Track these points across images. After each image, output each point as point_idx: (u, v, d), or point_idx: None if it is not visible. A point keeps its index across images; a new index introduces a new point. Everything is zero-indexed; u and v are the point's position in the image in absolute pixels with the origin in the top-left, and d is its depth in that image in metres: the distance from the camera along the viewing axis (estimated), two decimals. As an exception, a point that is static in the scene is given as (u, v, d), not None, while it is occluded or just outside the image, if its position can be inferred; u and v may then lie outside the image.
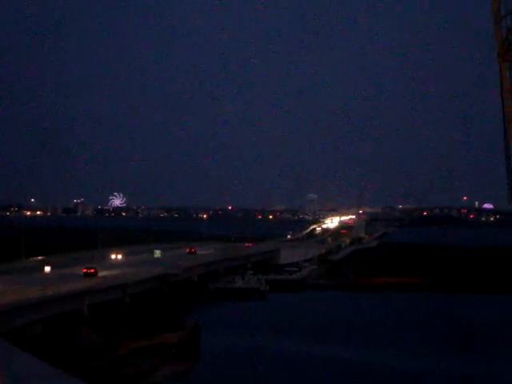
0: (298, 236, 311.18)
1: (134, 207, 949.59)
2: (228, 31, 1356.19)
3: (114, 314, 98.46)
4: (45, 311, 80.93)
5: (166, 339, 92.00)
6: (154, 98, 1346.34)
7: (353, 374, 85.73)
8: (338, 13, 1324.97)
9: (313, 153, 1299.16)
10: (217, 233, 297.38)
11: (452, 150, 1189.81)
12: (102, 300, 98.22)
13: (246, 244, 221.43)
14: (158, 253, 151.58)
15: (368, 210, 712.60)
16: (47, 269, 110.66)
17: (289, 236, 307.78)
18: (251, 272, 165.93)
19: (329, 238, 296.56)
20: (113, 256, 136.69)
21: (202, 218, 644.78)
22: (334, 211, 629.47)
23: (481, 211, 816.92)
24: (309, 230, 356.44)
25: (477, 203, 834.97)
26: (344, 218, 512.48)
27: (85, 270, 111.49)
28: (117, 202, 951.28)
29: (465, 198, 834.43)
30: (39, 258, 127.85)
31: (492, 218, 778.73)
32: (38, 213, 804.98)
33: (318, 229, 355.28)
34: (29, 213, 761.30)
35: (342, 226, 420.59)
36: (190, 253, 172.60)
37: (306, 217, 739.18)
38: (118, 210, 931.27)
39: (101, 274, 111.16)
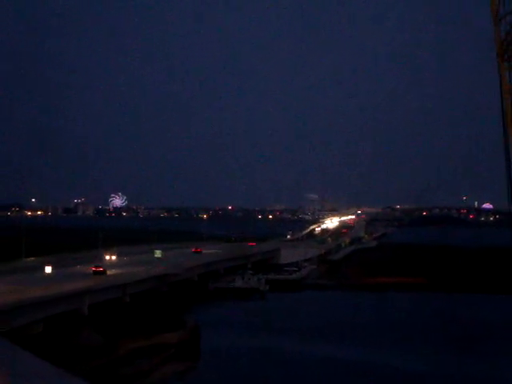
0: (297, 236, 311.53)
1: (135, 207, 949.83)
2: (228, 31, 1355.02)
3: (114, 314, 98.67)
4: (46, 311, 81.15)
5: (166, 339, 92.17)
6: (154, 98, 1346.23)
7: (353, 374, 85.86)
8: (338, 12, 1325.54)
9: (313, 153, 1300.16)
10: (217, 233, 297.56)
11: (452, 150, 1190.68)
12: (102, 299, 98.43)
13: (249, 243, 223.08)
14: (158, 253, 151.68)
15: (368, 210, 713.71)
16: (48, 268, 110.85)
17: (288, 236, 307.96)
18: (251, 272, 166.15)
19: (329, 238, 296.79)
20: (107, 257, 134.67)
21: (202, 217, 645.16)
22: (334, 211, 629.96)
23: (480, 211, 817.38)
24: (308, 230, 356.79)
25: (476, 203, 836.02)
26: (344, 218, 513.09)
27: (94, 269, 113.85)
28: (117, 202, 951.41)
29: (464, 198, 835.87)
30: (33, 258, 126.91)
31: (491, 218, 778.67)
32: (39, 213, 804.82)
33: (318, 229, 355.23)
34: (29, 213, 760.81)
35: (342, 225, 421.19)
36: (196, 252, 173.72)
37: (306, 217, 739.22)
38: (118, 210, 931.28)
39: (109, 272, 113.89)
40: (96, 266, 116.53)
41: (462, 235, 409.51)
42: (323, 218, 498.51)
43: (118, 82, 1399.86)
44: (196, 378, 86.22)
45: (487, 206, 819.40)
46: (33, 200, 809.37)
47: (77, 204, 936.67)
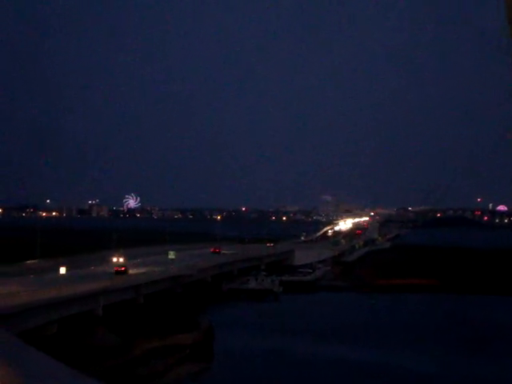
0: (311, 237, 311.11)
1: (149, 208, 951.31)
2: (228, 31, 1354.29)
3: (128, 315, 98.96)
4: (60, 311, 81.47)
5: (180, 340, 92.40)
6: (164, 98, 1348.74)
7: (366, 375, 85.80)
8: (337, 12, 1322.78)
9: (327, 154, 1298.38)
10: (230, 234, 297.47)
11: (466, 151, 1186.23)
12: (116, 300, 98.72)
13: (267, 244, 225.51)
14: (172, 254, 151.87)
15: (381, 211, 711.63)
16: (62, 269, 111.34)
17: (302, 237, 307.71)
18: (264, 273, 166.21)
19: (342, 240, 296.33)
20: (114, 259, 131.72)
21: (216, 219, 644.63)
22: (348, 212, 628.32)
23: (495, 213, 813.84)
24: (322, 232, 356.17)
25: (491, 205, 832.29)
26: (357, 219, 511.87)
27: (116, 269, 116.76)
28: (131, 203, 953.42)
29: (479, 199, 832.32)
30: (45, 259, 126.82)
31: (506, 220, 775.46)
32: (54, 214, 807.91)
33: (330, 231, 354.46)
34: (44, 214, 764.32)
35: (356, 227, 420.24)
36: (215, 252, 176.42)
37: (320, 218, 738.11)
38: (132, 211, 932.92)
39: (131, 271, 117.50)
40: (118, 266, 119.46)
41: (476, 237, 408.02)
42: (337, 220, 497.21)
43: (120, 82, 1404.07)
44: (210, 379, 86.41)
45: (502, 207, 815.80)
46: (47, 201, 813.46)
47: (91, 205, 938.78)
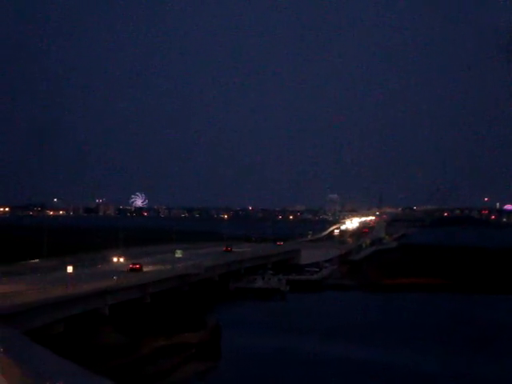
0: (318, 236, 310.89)
1: (156, 207, 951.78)
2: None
3: (135, 313, 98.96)
4: (66, 310, 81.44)
5: (187, 339, 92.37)
6: (175, 98, 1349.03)
7: (372, 375, 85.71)
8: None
9: (334, 153, 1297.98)
10: (237, 233, 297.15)
11: (473, 150, 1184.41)
12: (123, 299, 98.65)
13: (277, 242, 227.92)
14: (179, 252, 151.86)
15: (388, 210, 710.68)
16: (69, 268, 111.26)
17: (309, 236, 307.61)
18: (271, 272, 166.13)
19: (349, 239, 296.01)
20: (115, 259, 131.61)
21: (223, 218, 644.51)
22: (355, 212, 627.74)
23: (502, 212, 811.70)
24: (329, 231, 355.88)
25: (498, 204, 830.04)
26: (364, 218, 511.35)
27: (131, 266, 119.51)
28: (138, 201, 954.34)
29: (486, 199, 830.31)
30: (36, 260, 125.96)
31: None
32: (61, 212, 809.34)
33: (336, 231, 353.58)
34: (51, 212, 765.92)
35: (363, 226, 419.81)
36: (227, 251, 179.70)
37: (327, 217, 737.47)
38: (139, 209, 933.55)
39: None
40: (133, 263, 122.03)
41: (483, 236, 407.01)
42: (344, 219, 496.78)
43: (125, 80, 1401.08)
44: (217, 377, 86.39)
45: (509, 206, 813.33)
46: (54, 200, 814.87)
47: (98, 204, 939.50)
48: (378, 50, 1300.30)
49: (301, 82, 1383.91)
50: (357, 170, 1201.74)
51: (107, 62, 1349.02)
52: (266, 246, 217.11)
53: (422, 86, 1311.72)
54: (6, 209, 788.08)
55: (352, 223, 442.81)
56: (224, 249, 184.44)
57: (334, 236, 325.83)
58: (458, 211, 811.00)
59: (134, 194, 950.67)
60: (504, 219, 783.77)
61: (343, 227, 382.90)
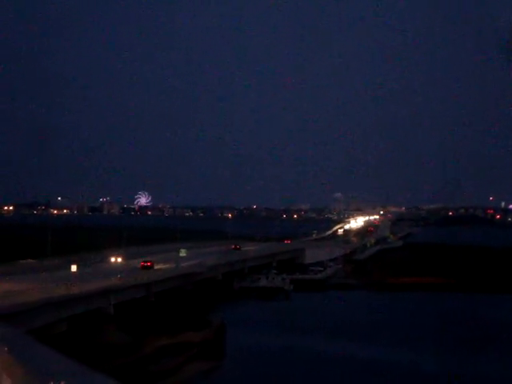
0: (322, 235, 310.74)
1: (160, 206, 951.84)
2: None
3: (139, 312, 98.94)
4: (70, 309, 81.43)
5: (191, 338, 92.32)
6: (178, 97, 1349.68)
7: (377, 374, 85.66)
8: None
9: (338, 152, 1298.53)
10: (241, 232, 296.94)
11: (478, 149, 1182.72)
12: (126, 298, 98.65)
13: (285, 241, 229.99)
14: (183, 251, 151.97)
15: (393, 209, 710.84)
16: (73, 267, 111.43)
17: (314, 235, 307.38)
18: (275, 271, 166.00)
19: (353, 238, 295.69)
20: (112, 259, 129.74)
21: (227, 217, 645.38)
22: (360, 211, 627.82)
23: (507, 211, 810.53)
24: (333, 230, 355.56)
25: (503, 203, 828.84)
26: (369, 217, 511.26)
27: (142, 264, 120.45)
28: (142, 200, 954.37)
29: (491, 198, 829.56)
30: (32, 260, 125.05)
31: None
32: (65, 211, 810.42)
33: (340, 230, 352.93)
34: (55, 211, 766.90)
35: (368, 225, 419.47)
36: (235, 249, 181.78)
37: (331, 216, 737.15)
38: (143, 208, 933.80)
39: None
40: (145, 261, 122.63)
41: (488, 235, 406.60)
42: (348, 218, 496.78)
43: (129, 79, 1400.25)
44: (221, 377, 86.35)
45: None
46: (59, 198, 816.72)
47: (102, 203, 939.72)
48: (381, 50, 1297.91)
49: (304, 81, 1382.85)
50: (362, 168, 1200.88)
51: (110, 60, 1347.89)
52: (271, 244, 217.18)
53: (427, 85, 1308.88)
54: (11, 207, 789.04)
55: (356, 222, 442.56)
56: (233, 247, 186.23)
57: (338, 235, 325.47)
58: (462, 210, 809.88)
59: (138, 193, 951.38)
60: (509, 218, 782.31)
61: (347, 226, 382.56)
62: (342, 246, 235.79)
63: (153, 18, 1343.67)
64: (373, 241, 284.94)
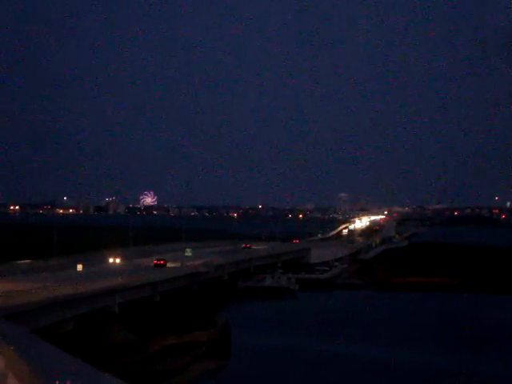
0: (326, 235, 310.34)
1: (165, 206, 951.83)
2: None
3: (144, 312, 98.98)
4: (76, 309, 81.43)
5: (196, 337, 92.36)
6: (184, 97, 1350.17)
7: (381, 374, 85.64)
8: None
9: (344, 152, 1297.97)
10: (246, 231, 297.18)
11: (484, 149, 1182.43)
12: (132, 298, 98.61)
13: (294, 240, 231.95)
14: (189, 251, 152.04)
15: (398, 209, 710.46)
16: (79, 267, 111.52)
17: (319, 235, 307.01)
18: (281, 271, 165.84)
19: (359, 237, 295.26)
20: (111, 260, 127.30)
21: (233, 216, 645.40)
22: (365, 210, 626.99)
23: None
24: (338, 230, 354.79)
25: (509, 203, 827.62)
26: (374, 217, 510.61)
27: (155, 262, 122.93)
28: (148, 200, 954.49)
29: (496, 198, 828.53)
30: (28, 260, 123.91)
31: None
32: (71, 211, 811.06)
33: (345, 231, 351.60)
34: (61, 211, 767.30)
35: (373, 225, 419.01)
36: (246, 247, 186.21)
37: (336, 216, 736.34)
38: (149, 208, 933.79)
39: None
40: (158, 259, 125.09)
41: (493, 235, 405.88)
42: (354, 218, 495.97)
43: (134, 79, 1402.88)
44: (226, 376, 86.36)
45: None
46: (65, 198, 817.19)
47: (108, 202, 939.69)
48: (384, 50, 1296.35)
49: (308, 80, 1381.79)
50: (367, 168, 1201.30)
51: (112, 58, 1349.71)
52: (277, 244, 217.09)
53: (432, 85, 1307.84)
54: (17, 207, 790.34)
55: (362, 222, 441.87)
56: (243, 245, 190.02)
57: (343, 235, 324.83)
58: (468, 210, 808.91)
59: (144, 193, 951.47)
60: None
61: (352, 226, 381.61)
62: (348, 245, 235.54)
63: (154, 18, 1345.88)
64: (378, 240, 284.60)
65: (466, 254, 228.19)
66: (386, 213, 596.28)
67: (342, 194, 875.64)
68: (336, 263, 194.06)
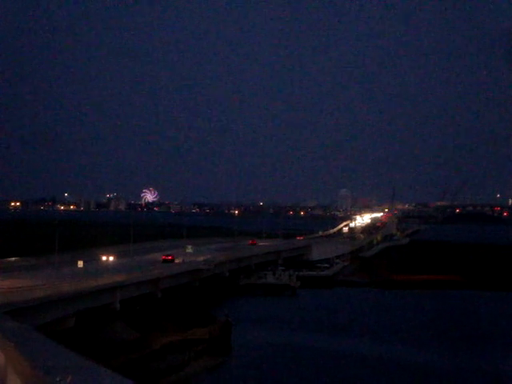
0: (327, 233, 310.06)
1: (167, 202, 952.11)
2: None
3: (146, 309, 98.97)
4: (77, 305, 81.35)
5: (197, 334, 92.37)
6: (188, 95, 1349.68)
7: (380, 371, 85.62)
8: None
9: (346, 150, 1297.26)
10: (247, 228, 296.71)
11: (485, 147, 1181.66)
12: (134, 294, 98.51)
13: (297, 237, 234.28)
14: (189, 248, 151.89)
15: (400, 207, 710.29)
16: (80, 263, 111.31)
17: (320, 232, 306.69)
18: (282, 268, 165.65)
19: (360, 235, 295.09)
20: (104, 258, 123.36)
21: (234, 213, 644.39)
22: (366, 208, 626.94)
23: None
24: (338, 228, 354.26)
25: (510, 201, 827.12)
26: (375, 214, 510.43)
27: (163, 257, 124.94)
28: (149, 196, 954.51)
29: (498, 195, 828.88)
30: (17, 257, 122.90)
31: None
32: (72, 207, 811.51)
33: (345, 229, 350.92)
34: (62, 207, 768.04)
35: (374, 222, 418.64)
36: (252, 244, 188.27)
37: (338, 213, 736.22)
38: (150, 205, 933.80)
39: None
40: (166, 255, 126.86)
41: (495, 233, 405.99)
42: (355, 215, 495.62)
43: (135, 78, 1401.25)
44: (227, 373, 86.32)
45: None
46: (66, 194, 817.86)
47: (109, 199, 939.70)
48: (387, 49, 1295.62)
49: (311, 78, 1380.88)
50: (369, 166, 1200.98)
51: (115, 56, 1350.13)
52: (280, 241, 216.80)
53: (432, 82, 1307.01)
54: (17, 203, 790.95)
55: (363, 219, 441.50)
56: (250, 242, 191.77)
57: (344, 232, 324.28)
58: (470, 208, 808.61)
59: (145, 189, 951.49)
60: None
61: (352, 224, 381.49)
62: (349, 242, 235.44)
63: (155, 18, 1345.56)
64: (379, 238, 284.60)
65: (468, 252, 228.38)
66: (387, 210, 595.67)
67: (344, 192, 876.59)
68: (337, 260, 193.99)
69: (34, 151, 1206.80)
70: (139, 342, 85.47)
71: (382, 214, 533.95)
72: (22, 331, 29.99)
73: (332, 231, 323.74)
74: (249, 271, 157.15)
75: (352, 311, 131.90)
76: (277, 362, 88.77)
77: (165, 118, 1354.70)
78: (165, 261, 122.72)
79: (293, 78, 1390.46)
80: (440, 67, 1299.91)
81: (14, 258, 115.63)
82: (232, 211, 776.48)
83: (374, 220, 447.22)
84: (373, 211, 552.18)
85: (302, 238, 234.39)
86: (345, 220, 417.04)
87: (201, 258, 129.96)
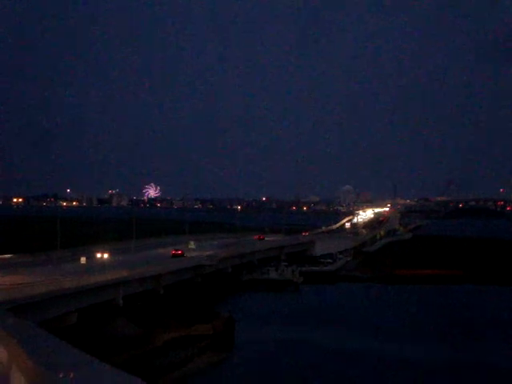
0: (330, 228, 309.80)
1: (169, 198, 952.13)
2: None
3: (148, 305, 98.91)
4: (80, 301, 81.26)
5: (200, 330, 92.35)
6: (188, 91, 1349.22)
7: (384, 367, 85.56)
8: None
9: (348, 145, 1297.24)
10: (249, 224, 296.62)
11: (489, 142, 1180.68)
12: (136, 291, 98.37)
13: (303, 233, 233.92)
14: (192, 244, 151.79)
15: (403, 201, 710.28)
16: (83, 259, 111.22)
17: (323, 228, 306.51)
18: (285, 263, 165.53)
19: (363, 230, 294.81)
20: (98, 255, 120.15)
21: (236, 209, 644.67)
22: (370, 203, 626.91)
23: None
24: (341, 223, 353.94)
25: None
26: (378, 209, 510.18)
27: (173, 252, 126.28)
28: (151, 192, 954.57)
29: (501, 190, 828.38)
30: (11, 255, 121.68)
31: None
32: (74, 203, 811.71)
33: (348, 224, 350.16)
34: (65, 203, 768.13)
35: (377, 217, 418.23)
36: (260, 239, 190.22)
37: (340, 208, 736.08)
38: (152, 200, 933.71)
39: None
40: (175, 249, 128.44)
41: (498, 227, 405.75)
42: (358, 210, 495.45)
43: (136, 73, 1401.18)
44: (230, 369, 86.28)
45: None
46: (68, 190, 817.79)
47: (111, 195, 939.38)
48: (388, 49, 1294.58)
49: (312, 76, 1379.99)
50: (372, 161, 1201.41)
51: (117, 53, 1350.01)
52: (284, 236, 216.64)
53: (436, 79, 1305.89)
54: (20, 199, 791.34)
55: (366, 214, 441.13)
56: (257, 237, 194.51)
57: (347, 227, 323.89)
58: (473, 202, 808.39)
59: (147, 185, 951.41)
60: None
61: (355, 219, 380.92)
62: (352, 238, 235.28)
63: (156, 18, 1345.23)
64: (382, 233, 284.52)
65: (471, 247, 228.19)
66: (389, 205, 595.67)
67: (346, 187, 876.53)
68: (340, 256, 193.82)
69: (36, 147, 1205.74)
70: (142, 338, 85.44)
71: (385, 208, 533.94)
72: (25, 328, 29.96)
73: (335, 226, 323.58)
74: (252, 267, 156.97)
75: (355, 306, 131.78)
76: (280, 358, 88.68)
77: (167, 113, 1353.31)
78: (174, 255, 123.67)
79: (296, 73, 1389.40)
80: (443, 61, 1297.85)
81: (8, 255, 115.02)
82: (234, 207, 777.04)
83: (376, 215, 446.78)
84: (376, 206, 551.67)
85: (307, 233, 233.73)
86: (348, 215, 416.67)
87: (204, 254, 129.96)
